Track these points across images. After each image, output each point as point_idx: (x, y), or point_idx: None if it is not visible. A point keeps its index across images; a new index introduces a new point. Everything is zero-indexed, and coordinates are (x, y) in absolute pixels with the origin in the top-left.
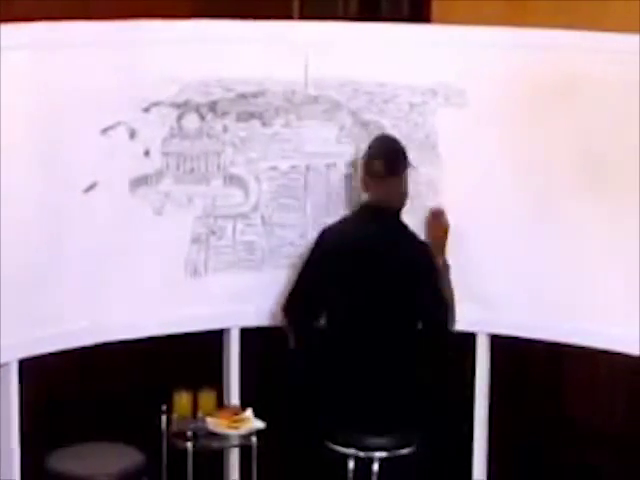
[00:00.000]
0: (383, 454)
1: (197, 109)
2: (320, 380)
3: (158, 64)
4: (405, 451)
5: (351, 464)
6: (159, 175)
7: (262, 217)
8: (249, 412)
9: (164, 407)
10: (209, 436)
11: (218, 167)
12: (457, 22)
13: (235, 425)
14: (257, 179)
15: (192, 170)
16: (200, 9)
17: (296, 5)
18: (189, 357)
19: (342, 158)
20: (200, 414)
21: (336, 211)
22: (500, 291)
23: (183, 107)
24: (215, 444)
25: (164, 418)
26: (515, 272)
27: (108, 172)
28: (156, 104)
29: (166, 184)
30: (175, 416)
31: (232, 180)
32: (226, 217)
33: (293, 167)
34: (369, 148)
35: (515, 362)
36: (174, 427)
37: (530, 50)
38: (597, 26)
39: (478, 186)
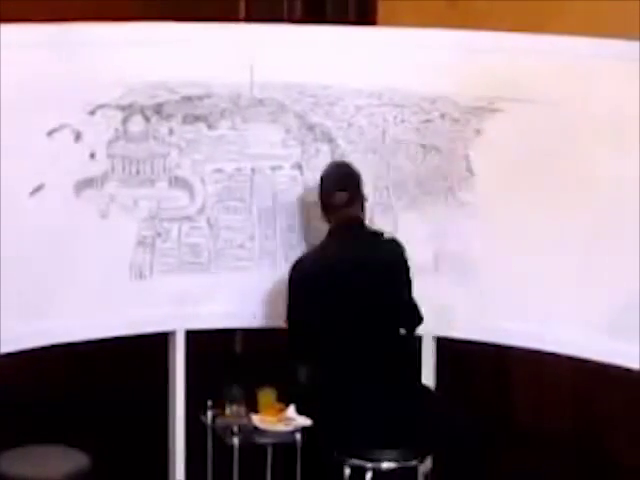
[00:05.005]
0: (392, 465)
1: (142, 111)
2: (326, 394)
3: (103, 66)
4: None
5: (347, 471)
6: (104, 178)
7: (208, 219)
8: (291, 410)
9: (209, 403)
10: (254, 432)
11: (164, 169)
12: (403, 25)
13: (281, 422)
14: (202, 181)
15: (138, 173)
16: (144, 11)
17: (242, 7)
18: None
19: (288, 161)
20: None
21: (281, 214)
22: (446, 294)
23: (128, 109)
24: (259, 440)
25: (209, 414)
26: (461, 273)
27: (54, 175)
28: (101, 106)
29: (111, 187)
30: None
31: (177, 182)
32: (171, 219)
33: (238, 170)
34: (325, 180)
35: (461, 365)
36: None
37: (477, 52)
38: (544, 28)
39: None
